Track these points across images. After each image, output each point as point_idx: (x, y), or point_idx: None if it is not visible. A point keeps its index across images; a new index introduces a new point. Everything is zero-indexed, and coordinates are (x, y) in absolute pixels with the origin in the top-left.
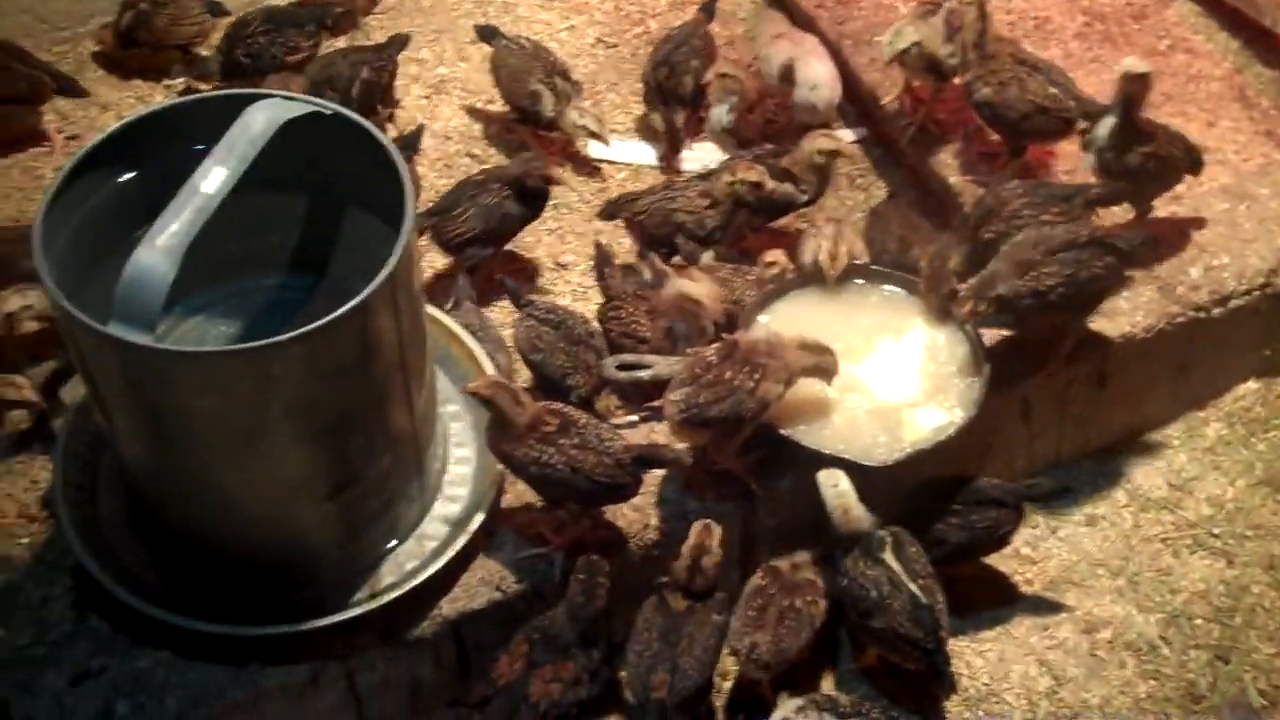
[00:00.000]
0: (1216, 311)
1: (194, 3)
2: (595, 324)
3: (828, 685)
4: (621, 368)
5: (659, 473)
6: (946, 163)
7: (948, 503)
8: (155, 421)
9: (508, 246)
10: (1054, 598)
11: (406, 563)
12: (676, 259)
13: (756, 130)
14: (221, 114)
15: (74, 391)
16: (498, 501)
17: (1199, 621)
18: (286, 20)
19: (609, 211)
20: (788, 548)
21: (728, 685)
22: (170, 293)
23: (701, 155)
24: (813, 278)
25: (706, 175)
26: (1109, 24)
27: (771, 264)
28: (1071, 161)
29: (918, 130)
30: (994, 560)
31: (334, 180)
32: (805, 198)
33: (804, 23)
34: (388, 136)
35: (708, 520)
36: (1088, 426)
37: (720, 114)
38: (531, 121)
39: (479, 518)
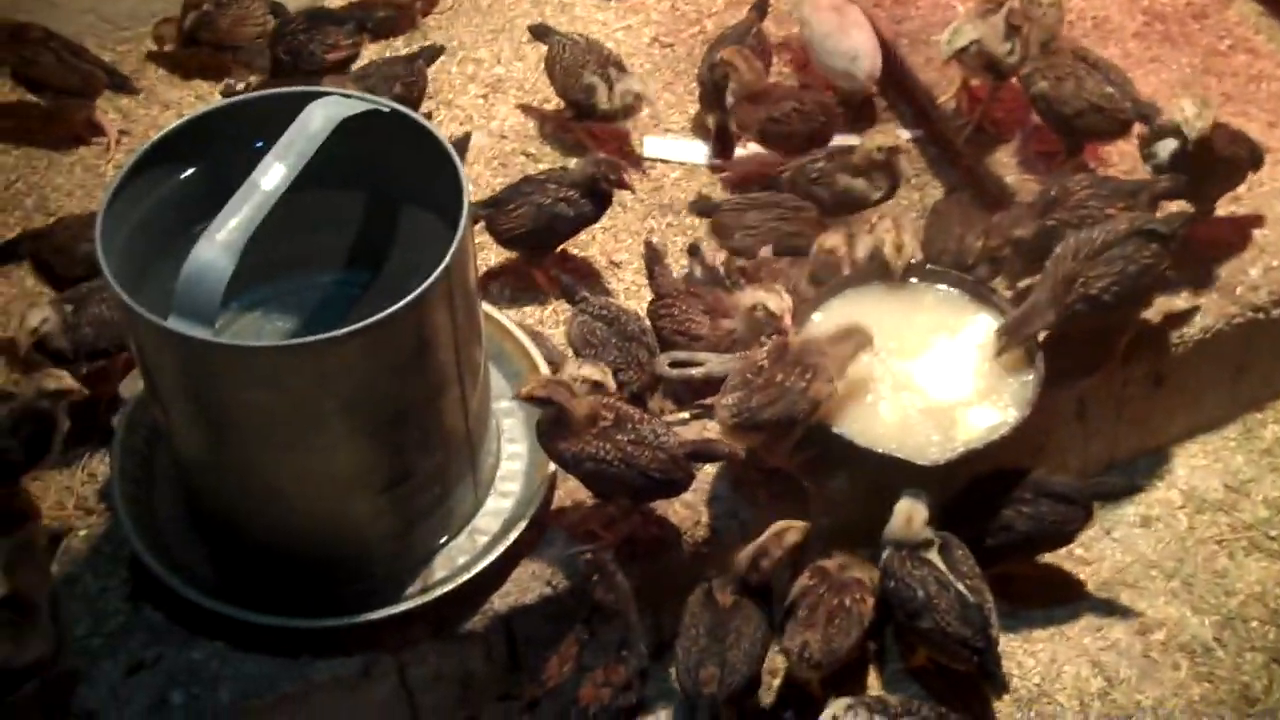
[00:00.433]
0: (1276, 312)
1: (257, 4)
2: (647, 321)
3: (875, 686)
4: (674, 365)
5: (711, 471)
6: (1003, 162)
7: (1011, 492)
8: (212, 415)
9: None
10: (1107, 599)
11: (459, 557)
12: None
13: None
14: (281, 111)
15: (132, 386)
16: (550, 497)
17: (1254, 624)
18: (327, 19)
19: (702, 209)
20: (840, 547)
21: (776, 683)
22: (228, 288)
23: (753, 154)
24: (867, 276)
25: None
26: (1169, 24)
27: (831, 250)
28: (1131, 162)
29: (974, 129)
30: (1047, 560)
31: (391, 178)
32: (879, 194)
33: None
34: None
35: (794, 524)
36: (1144, 427)
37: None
38: (586, 115)
39: (530, 513)
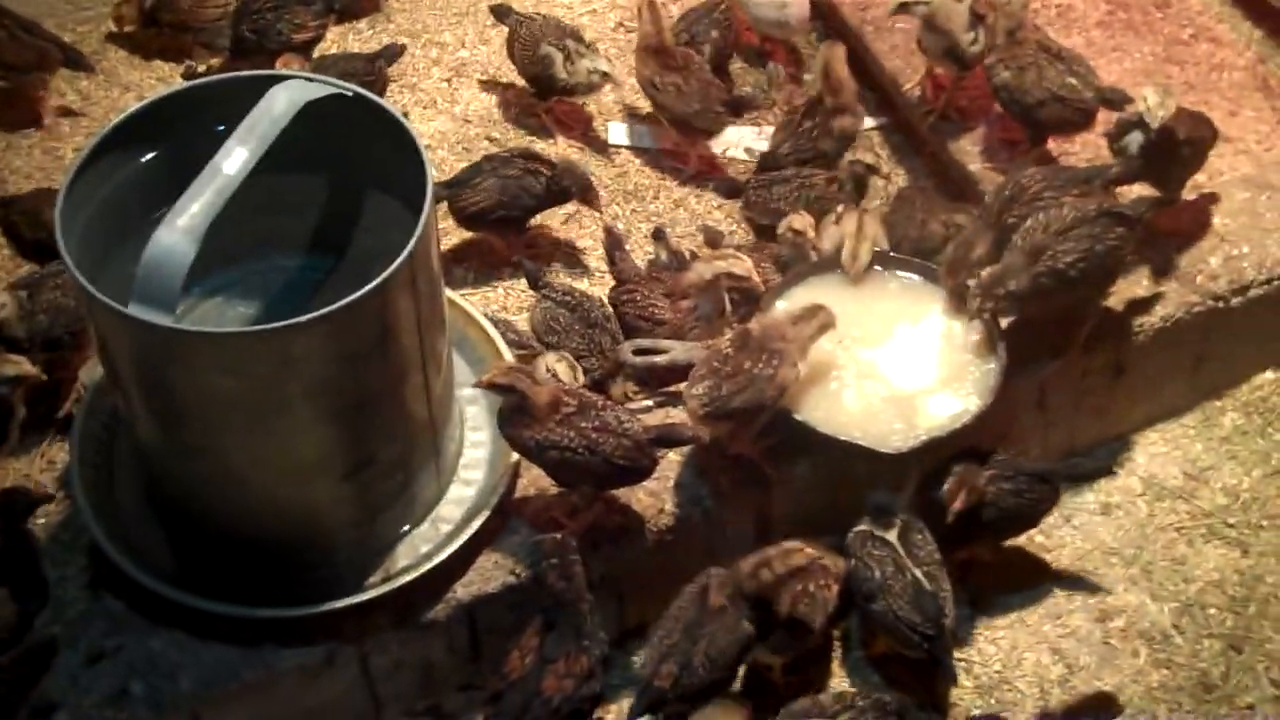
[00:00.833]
0: (1235, 301)
1: None
2: (610, 308)
3: (838, 673)
4: (638, 352)
5: (674, 458)
6: (967, 150)
7: (989, 469)
8: (173, 402)
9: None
10: (1067, 586)
11: (421, 545)
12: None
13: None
14: (243, 94)
15: (91, 371)
16: (513, 485)
17: (1213, 611)
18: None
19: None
20: (803, 534)
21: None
22: (189, 274)
23: (719, 140)
24: (831, 264)
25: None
26: (1132, 12)
27: (800, 232)
28: (1094, 150)
29: (938, 118)
30: (1008, 547)
31: (353, 162)
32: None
33: (825, 9)
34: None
35: (803, 548)
36: (1104, 415)
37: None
38: (547, 90)
39: (494, 501)
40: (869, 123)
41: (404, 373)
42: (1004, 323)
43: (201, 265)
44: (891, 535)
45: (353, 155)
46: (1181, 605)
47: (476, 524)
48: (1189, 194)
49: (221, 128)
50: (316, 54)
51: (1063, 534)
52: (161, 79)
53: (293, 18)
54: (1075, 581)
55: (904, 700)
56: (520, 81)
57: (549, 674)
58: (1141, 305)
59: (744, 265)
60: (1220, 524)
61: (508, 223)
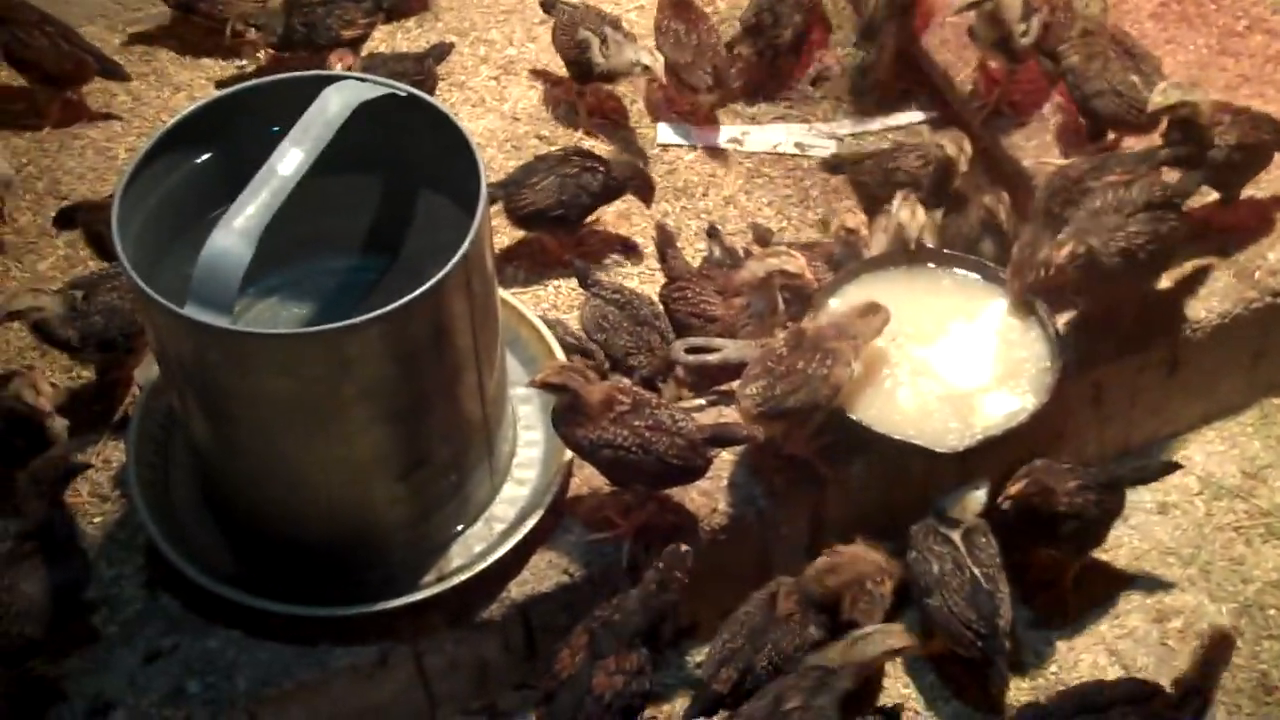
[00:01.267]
0: None
1: None
2: (660, 306)
3: (894, 674)
4: (690, 350)
5: (727, 458)
6: (1020, 145)
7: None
8: (229, 403)
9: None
10: (1124, 586)
11: (475, 545)
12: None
13: None
14: (296, 95)
15: (147, 372)
16: (566, 485)
17: (1272, 612)
18: None
19: (832, 165)
20: (858, 533)
21: None
22: (244, 274)
23: (769, 136)
24: (883, 261)
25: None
26: (1185, 4)
27: (853, 230)
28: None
29: (991, 112)
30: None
31: (407, 162)
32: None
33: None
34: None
35: (871, 555)
36: (1160, 413)
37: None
38: (586, 75)
39: (547, 501)
40: (919, 116)
41: (458, 373)
42: (1061, 322)
43: (256, 266)
44: (956, 534)
45: (406, 155)
46: (1240, 606)
47: (530, 523)
48: (1247, 190)
49: (275, 129)
50: (365, 53)
51: (1119, 534)
52: (212, 78)
53: (343, 14)
54: (1132, 582)
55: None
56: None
57: (599, 670)
58: (1198, 301)
59: (796, 262)
60: (1279, 523)
61: (563, 221)
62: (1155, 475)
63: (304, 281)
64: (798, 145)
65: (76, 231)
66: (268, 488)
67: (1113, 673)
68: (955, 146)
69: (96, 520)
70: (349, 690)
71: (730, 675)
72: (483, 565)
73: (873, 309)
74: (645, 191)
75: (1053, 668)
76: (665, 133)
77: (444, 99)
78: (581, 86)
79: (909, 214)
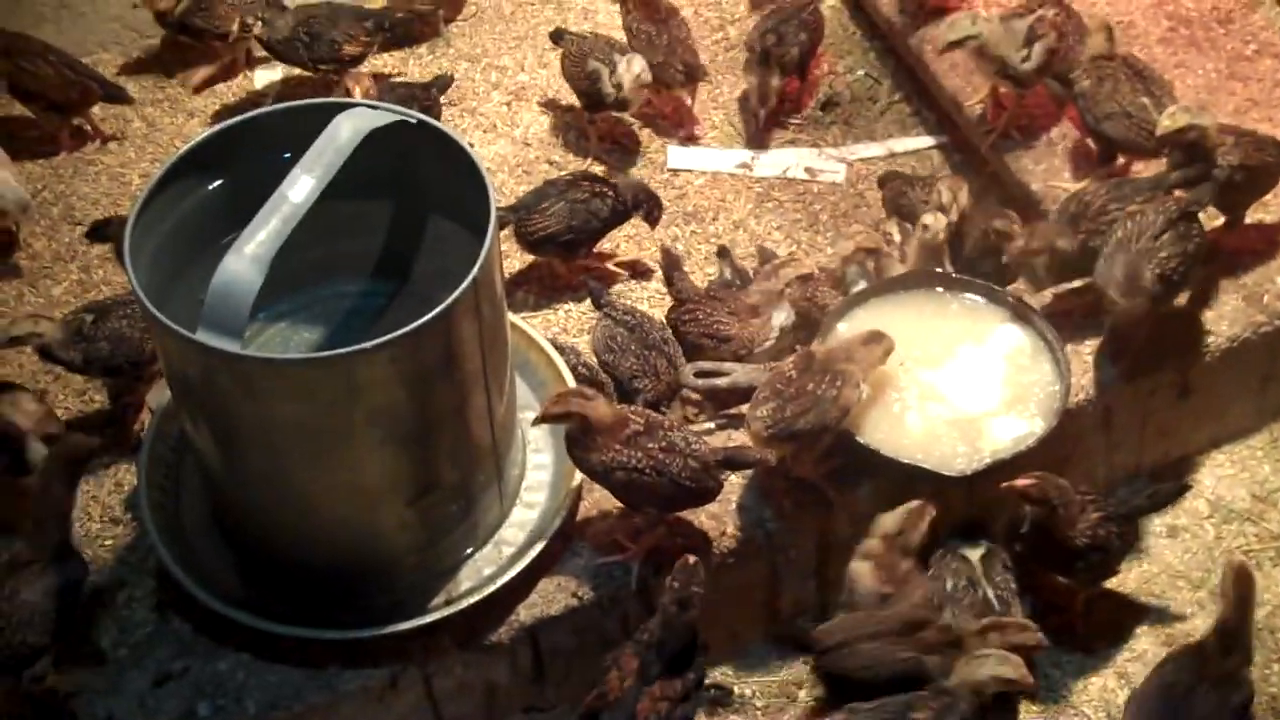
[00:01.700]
0: None
1: None
2: (669, 331)
3: None
4: (699, 374)
5: (736, 481)
6: (1029, 169)
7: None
8: (239, 427)
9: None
10: (1134, 610)
11: (485, 568)
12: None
13: None
14: (308, 122)
15: (158, 396)
16: (576, 508)
17: None
18: (349, 12)
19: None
20: None
21: None
22: (255, 300)
23: (779, 160)
24: (893, 285)
25: None
26: (1194, 29)
27: (871, 250)
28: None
29: (999, 136)
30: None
31: (417, 187)
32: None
33: (885, 28)
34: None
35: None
36: (1169, 437)
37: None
38: (597, 105)
39: (556, 525)
40: (928, 141)
41: (467, 397)
42: (1070, 346)
43: (267, 291)
44: (974, 555)
45: (416, 181)
46: None
47: (539, 547)
48: (1256, 213)
49: (287, 155)
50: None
51: (1129, 557)
52: (226, 105)
53: (347, 29)
54: (1142, 605)
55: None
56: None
57: (645, 696)
58: (1208, 325)
59: (806, 265)
60: None
61: (574, 246)
62: (1168, 499)
63: (315, 306)
64: (807, 170)
65: (92, 258)
66: (277, 512)
67: (1123, 696)
68: (950, 194)
69: (108, 543)
70: (358, 713)
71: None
72: (491, 589)
73: (875, 338)
74: (654, 214)
75: (1062, 690)
76: (676, 157)
77: (455, 124)
78: (592, 115)
79: (933, 218)
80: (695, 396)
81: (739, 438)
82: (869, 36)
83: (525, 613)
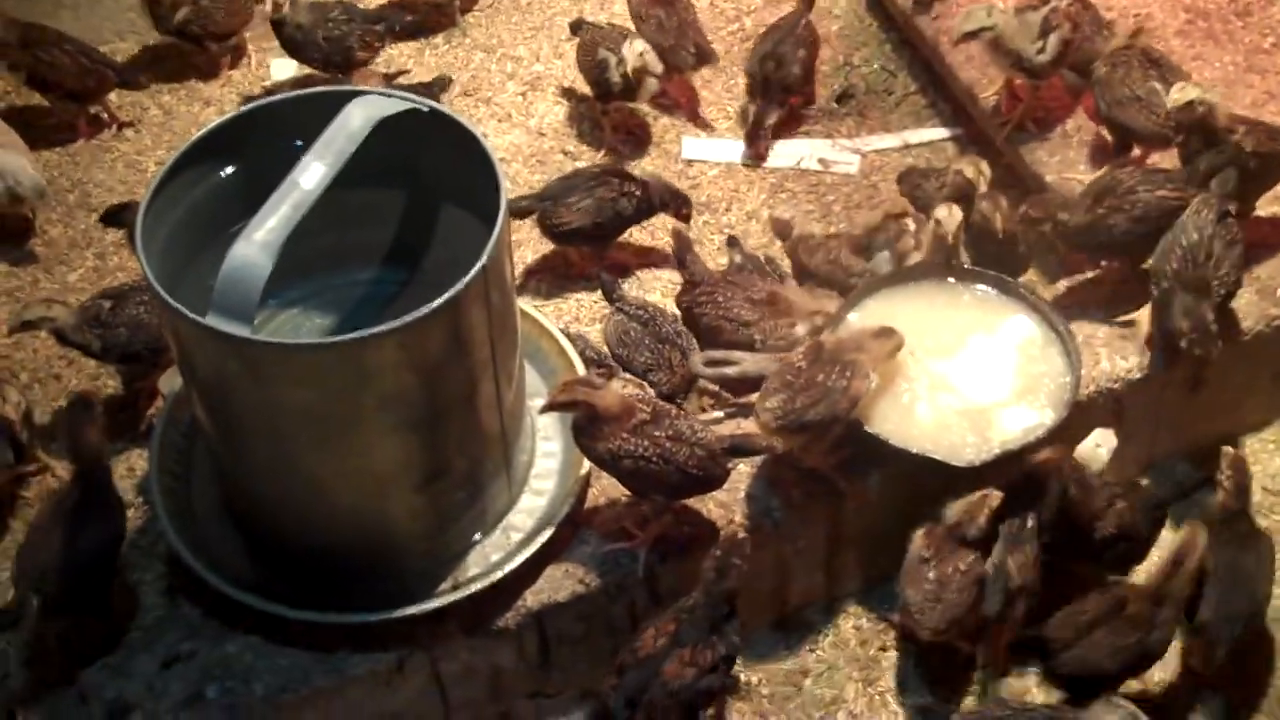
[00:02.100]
0: None
1: None
2: (682, 324)
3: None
4: (709, 363)
5: (744, 469)
6: (1044, 161)
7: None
8: (250, 412)
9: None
10: None
11: (492, 554)
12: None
13: None
14: (319, 110)
15: (170, 382)
16: (584, 496)
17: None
18: (362, 15)
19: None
20: (874, 550)
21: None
22: (266, 286)
23: (792, 151)
24: (904, 276)
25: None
26: (1212, 21)
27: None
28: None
29: (1015, 128)
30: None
31: (428, 176)
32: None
33: (900, 19)
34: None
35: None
36: (1181, 430)
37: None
38: (607, 93)
39: (564, 511)
40: (944, 132)
41: (476, 384)
42: (1080, 335)
43: (278, 278)
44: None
45: (427, 169)
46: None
47: (546, 534)
48: (1270, 206)
49: (299, 143)
50: (385, 74)
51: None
52: (242, 92)
53: (363, 35)
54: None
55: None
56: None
57: (674, 658)
58: (1221, 319)
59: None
60: None
61: (597, 239)
62: (1193, 489)
63: (326, 293)
64: (821, 161)
65: (107, 245)
66: (286, 497)
67: (1134, 686)
68: (974, 169)
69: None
70: (365, 696)
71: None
72: (499, 575)
73: (886, 333)
74: (684, 213)
75: None
76: (690, 148)
77: (470, 114)
78: (604, 105)
79: (946, 212)
80: (712, 388)
81: (748, 426)
82: (885, 28)
83: (532, 599)
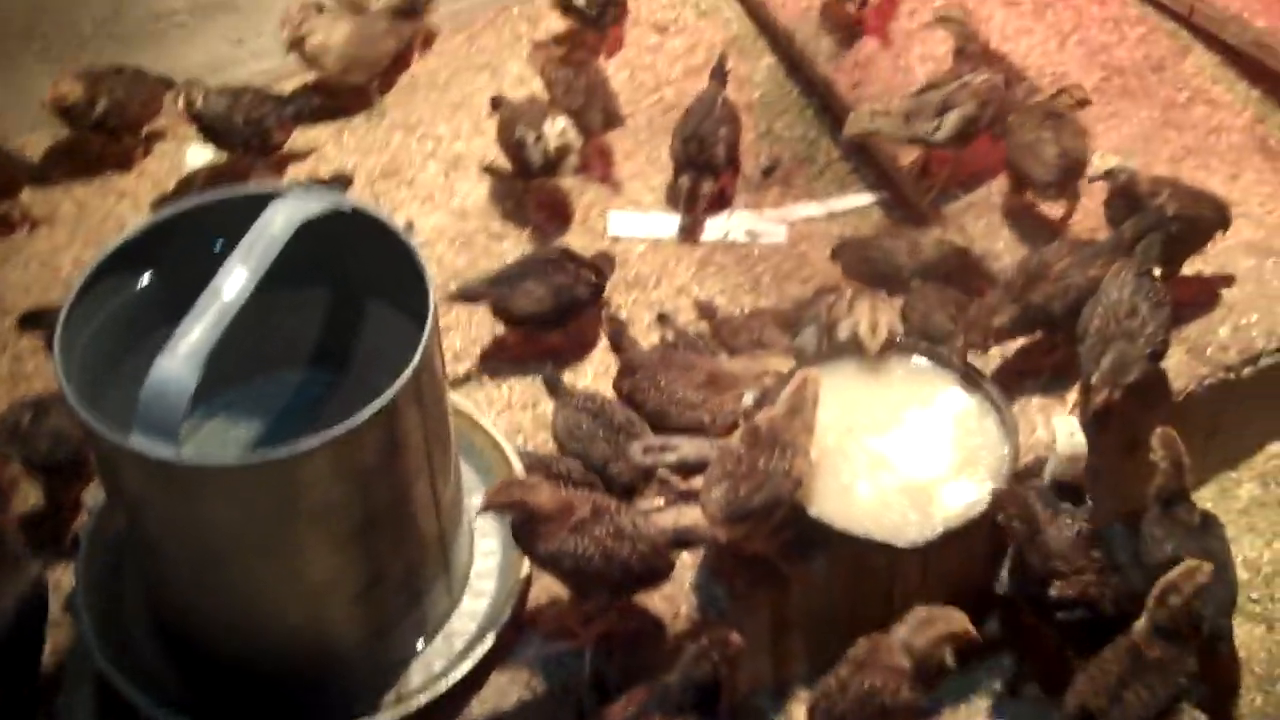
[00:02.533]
0: (1247, 371)
1: (153, 82)
2: (633, 411)
3: None
4: (646, 450)
5: (687, 559)
6: (970, 225)
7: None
8: (177, 530)
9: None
10: None
11: (435, 663)
12: None
13: None
14: (239, 211)
15: (96, 494)
16: (525, 595)
17: (1240, 691)
18: (272, 98)
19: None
20: (822, 630)
21: None
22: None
23: (719, 224)
24: (836, 353)
25: None
26: (1127, 77)
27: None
28: (1095, 219)
29: (938, 192)
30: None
31: (353, 273)
32: None
33: (821, 86)
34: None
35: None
36: (1118, 493)
37: None
38: (527, 171)
39: (507, 613)
40: (869, 198)
41: (412, 487)
42: (1017, 404)
43: (200, 385)
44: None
45: (351, 267)
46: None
47: (489, 640)
48: (1195, 265)
49: (219, 244)
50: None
51: None
52: (156, 184)
53: (276, 114)
54: None
55: None
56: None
57: None
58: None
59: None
60: (1243, 599)
61: (552, 325)
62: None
63: (250, 399)
64: (748, 232)
65: (23, 348)
66: (219, 613)
67: None
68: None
69: (45, 646)
70: None
71: None
72: (443, 686)
73: (800, 383)
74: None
75: None
76: (616, 224)
77: (392, 196)
78: (526, 182)
79: (869, 319)
80: (672, 477)
81: (689, 513)
82: (806, 94)
83: (479, 707)
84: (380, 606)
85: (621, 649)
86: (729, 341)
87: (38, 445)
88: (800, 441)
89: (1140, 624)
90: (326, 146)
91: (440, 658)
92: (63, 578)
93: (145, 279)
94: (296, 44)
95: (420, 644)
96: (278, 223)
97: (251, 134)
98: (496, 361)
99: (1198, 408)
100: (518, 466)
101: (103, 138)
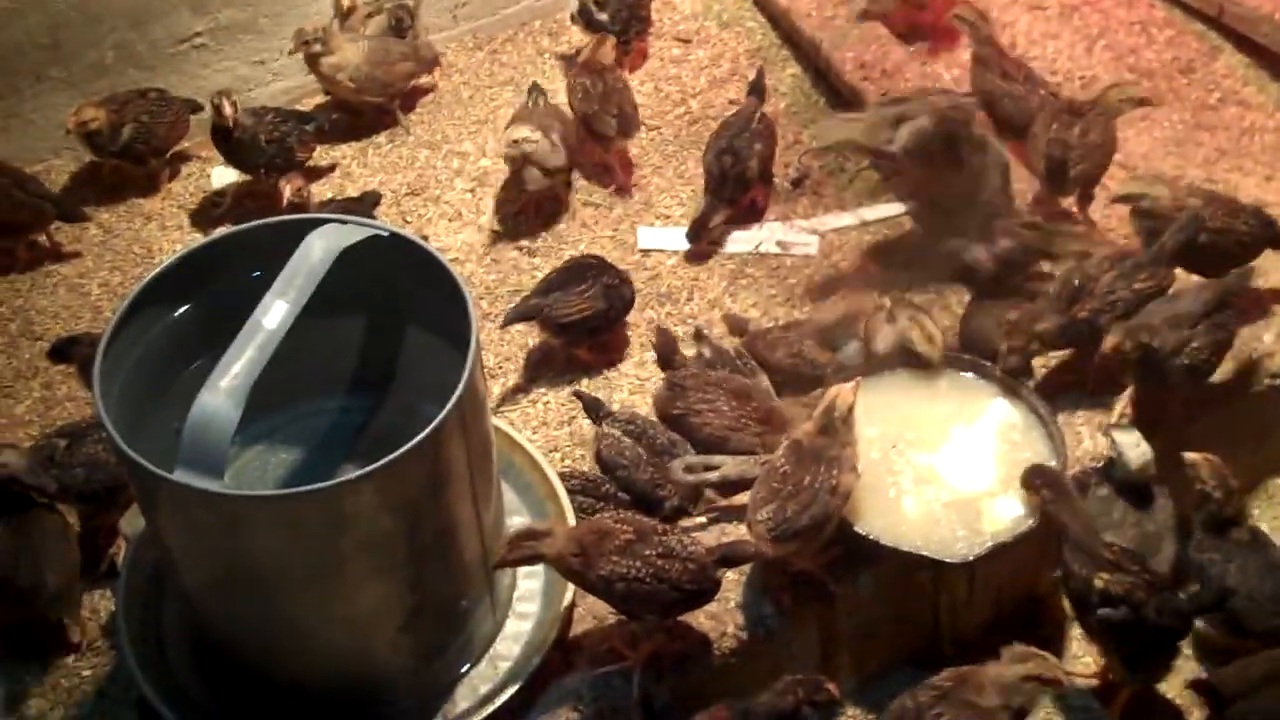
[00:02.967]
0: None
1: (179, 105)
2: (674, 433)
3: None
4: (688, 470)
5: (733, 578)
6: None
7: None
8: (223, 561)
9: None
10: None
11: (481, 686)
12: None
13: None
14: (276, 240)
15: (134, 522)
16: (570, 617)
17: None
18: (294, 116)
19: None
20: (869, 649)
21: None
22: None
23: (750, 235)
24: (879, 366)
25: None
26: (1157, 79)
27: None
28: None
29: None
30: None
31: (393, 300)
32: None
33: (849, 95)
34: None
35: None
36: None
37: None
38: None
39: (552, 636)
40: (899, 208)
41: (456, 513)
42: (1062, 417)
43: (243, 414)
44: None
45: (390, 294)
46: None
47: (535, 662)
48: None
49: (257, 273)
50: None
51: None
52: (183, 206)
53: (301, 135)
54: None
55: None
56: None
57: None
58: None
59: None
60: None
61: (600, 330)
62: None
63: (291, 425)
64: (779, 244)
65: (54, 375)
66: (264, 643)
67: None
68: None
69: (87, 673)
70: None
71: None
72: (489, 709)
73: (829, 395)
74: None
75: None
76: (646, 238)
77: (420, 214)
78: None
79: (920, 330)
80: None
81: (733, 531)
82: (833, 104)
83: None
84: (426, 631)
85: (670, 669)
86: (767, 356)
87: (74, 473)
88: (845, 456)
89: None
90: (351, 166)
91: (486, 681)
92: (100, 603)
93: (183, 309)
94: (312, 62)
95: (466, 667)
96: (316, 253)
97: (275, 153)
98: (530, 379)
99: (1245, 414)
100: (558, 486)
101: (129, 163)
